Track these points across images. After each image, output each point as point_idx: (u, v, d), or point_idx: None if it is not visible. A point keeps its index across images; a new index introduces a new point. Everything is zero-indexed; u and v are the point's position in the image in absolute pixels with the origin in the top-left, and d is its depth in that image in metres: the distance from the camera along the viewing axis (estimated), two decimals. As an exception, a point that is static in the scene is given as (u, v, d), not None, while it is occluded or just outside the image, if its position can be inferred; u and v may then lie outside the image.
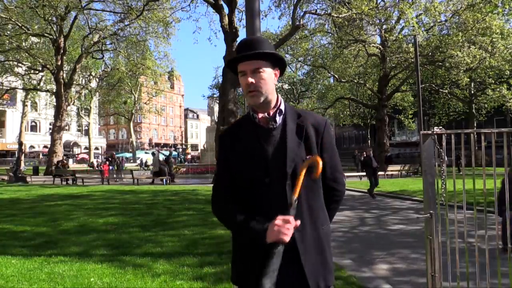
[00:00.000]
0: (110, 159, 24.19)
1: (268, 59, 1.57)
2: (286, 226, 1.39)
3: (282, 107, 1.62)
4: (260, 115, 1.59)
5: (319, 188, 1.60)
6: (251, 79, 1.53)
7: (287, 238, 1.39)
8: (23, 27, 24.82)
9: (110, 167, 22.94)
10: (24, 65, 30.25)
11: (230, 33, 17.64)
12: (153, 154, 23.36)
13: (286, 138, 1.55)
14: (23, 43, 27.17)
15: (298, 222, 1.43)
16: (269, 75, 1.57)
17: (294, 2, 20.37)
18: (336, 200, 1.68)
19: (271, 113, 1.59)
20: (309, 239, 1.52)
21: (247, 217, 1.51)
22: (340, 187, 1.68)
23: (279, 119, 1.59)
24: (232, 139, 1.63)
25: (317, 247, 1.54)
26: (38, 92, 35.14)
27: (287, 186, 1.50)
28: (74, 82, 30.26)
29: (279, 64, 1.63)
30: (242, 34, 18.65)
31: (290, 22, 20.17)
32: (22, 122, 40.23)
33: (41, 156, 50.80)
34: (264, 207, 1.50)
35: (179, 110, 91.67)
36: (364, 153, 14.02)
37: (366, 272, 4.63)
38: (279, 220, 1.41)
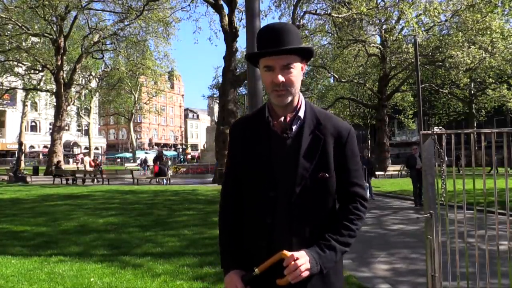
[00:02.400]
0: (160, 159, 22.96)
1: (298, 53, 1.38)
2: None
3: (302, 112, 1.43)
4: (276, 121, 1.43)
5: (331, 210, 1.44)
6: (281, 78, 1.34)
7: None
8: (23, 27, 24.84)
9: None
10: (24, 65, 30.28)
11: (230, 33, 17.65)
12: (85, 154, 23.01)
13: (299, 152, 1.38)
14: (23, 43, 27.20)
15: None
16: (298, 71, 1.38)
17: (294, 2, 20.40)
18: (356, 214, 1.42)
19: (288, 118, 1.41)
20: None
21: (227, 241, 1.49)
22: (361, 201, 1.45)
23: (295, 127, 1.42)
24: (241, 134, 1.50)
25: (318, 274, 1.36)
26: (38, 92, 35.18)
27: (292, 208, 1.37)
28: (74, 82, 30.28)
29: (307, 56, 1.43)
30: (242, 34, 18.67)
31: (290, 22, 20.16)
32: (22, 122, 40.26)
33: (41, 156, 50.83)
34: (267, 222, 1.39)
35: (179, 110, 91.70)
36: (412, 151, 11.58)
37: (365, 272, 4.63)
38: (232, 281, 1.37)
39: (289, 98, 1.38)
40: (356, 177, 1.45)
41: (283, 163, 1.40)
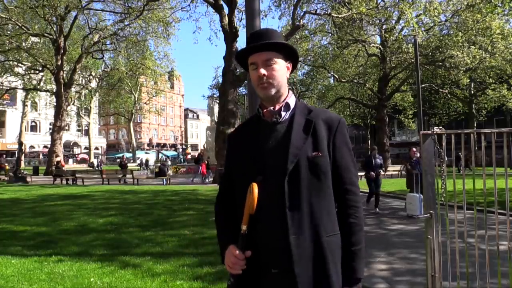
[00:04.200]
0: (201, 159, 23.13)
1: (281, 51, 1.48)
2: (231, 259, 1.36)
3: (291, 102, 1.51)
4: (265, 109, 1.50)
5: (327, 191, 1.43)
6: (263, 71, 1.43)
7: (233, 271, 1.37)
8: (23, 27, 24.83)
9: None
10: (24, 65, 30.27)
11: (230, 33, 17.63)
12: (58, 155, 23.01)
13: (291, 132, 1.42)
14: (23, 43, 27.19)
15: (248, 253, 1.35)
16: (281, 67, 1.47)
17: (294, 2, 20.38)
18: (355, 206, 1.44)
19: (277, 107, 1.48)
20: (307, 247, 1.35)
21: (223, 229, 1.51)
22: (354, 189, 1.46)
23: (284, 113, 1.48)
24: (236, 138, 1.57)
25: (317, 257, 1.36)
26: (38, 92, 35.16)
27: (286, 184, 1.36)
28: (74, 82, 30.27)
29: (291, 57, 1.53)
30: (242, 34, 18.67)
31: (290, 22, 20.18)
32: (22, 122, 40.25)
33: (41, 156, 50.82)
34: (257, 209, 1.38)
35: (179, 110, 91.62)
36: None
37: (365, 272, 4.62)
38: (228, 251, 1.38)
39: (273, 91, 1.46)
40: (347, 163, 1.47)
41: (273, 146, 1.43)
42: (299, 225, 1.35)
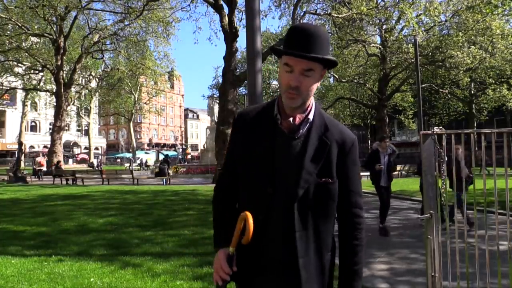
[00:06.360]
0: None
1: (322, 62, 1.36)
2: (219, 272, 1.38)
3: (311, 115, 1.43)
4: (284, 120, 1.42)
5: (331, 213, 1.45)
6: (296, 82, 1.33)
7: (219, 282, 1.38)
8: (23, 27, 24.85)
9: None
10: (24, 65, 30.30)
11: (230, 33, 17.63)
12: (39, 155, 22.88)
13: (305, 155, 1.38)
14: (23, 43, 27.21)
15: (234, 269, 1.38)
16: (317, 78, 1.38)
17: (294, 2, 20.38)
18: (359, 228, 1.47)
19: (298, 120, 1.41)
20: (312, 267, 1.40)
21: (219, 221, 1.50)
22: (360, 212, 1.48)
23: (303, 130, 1.41)
24: (245, 127, 1.48)
25: (319, 278, 1.42)
26: (38, 92, 35.17)
27: (295, 209, 1.37)
28: (74, 82, 30.30)
29: (330, 66, 1.43)
30: (242, 34, 18.66)
31: (290, 22, 20.17)
32: (22, 122, 40.29)
33: (41, 156, 50.81)
34: (259, 219, 1.38)
35: (179, 110, 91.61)
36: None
37: (365, 271, 4.63)
38: (218, 263, 1.39)
39: (300, 102, 1.38)
40: (355, 185, 1.48)
41: (286, 163, 1.39)
42: (306, 248, 1.39)
